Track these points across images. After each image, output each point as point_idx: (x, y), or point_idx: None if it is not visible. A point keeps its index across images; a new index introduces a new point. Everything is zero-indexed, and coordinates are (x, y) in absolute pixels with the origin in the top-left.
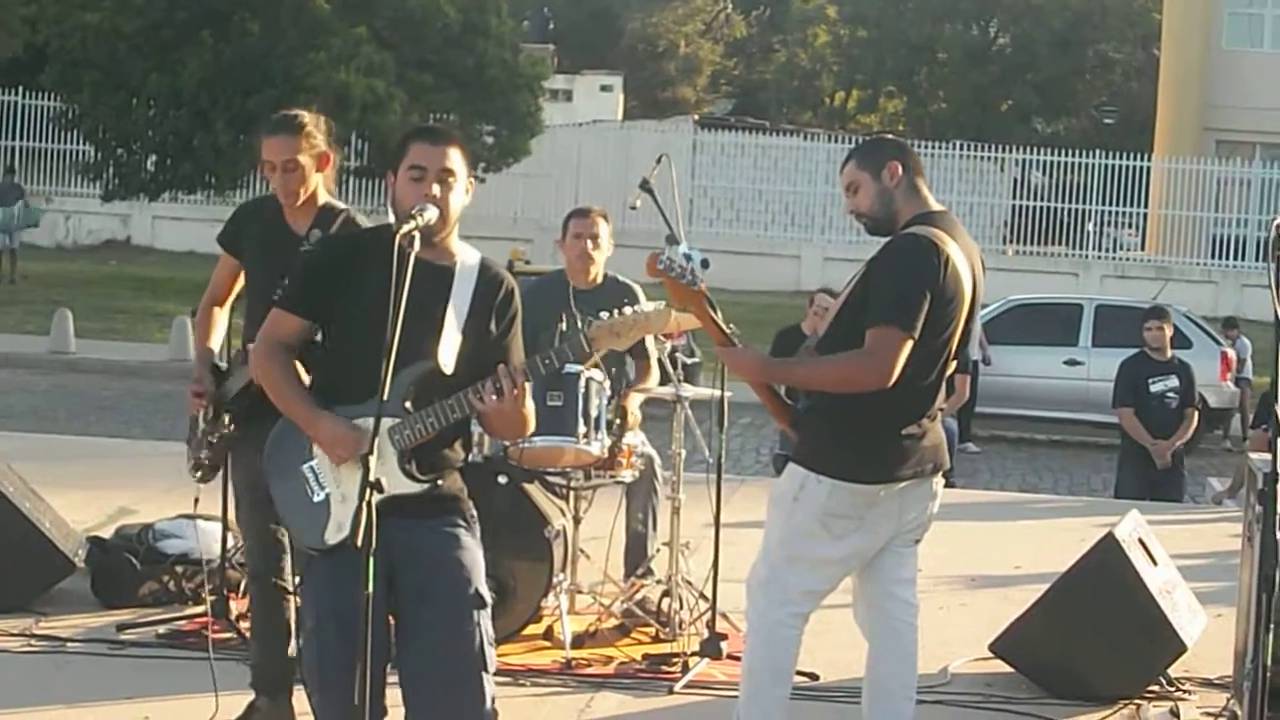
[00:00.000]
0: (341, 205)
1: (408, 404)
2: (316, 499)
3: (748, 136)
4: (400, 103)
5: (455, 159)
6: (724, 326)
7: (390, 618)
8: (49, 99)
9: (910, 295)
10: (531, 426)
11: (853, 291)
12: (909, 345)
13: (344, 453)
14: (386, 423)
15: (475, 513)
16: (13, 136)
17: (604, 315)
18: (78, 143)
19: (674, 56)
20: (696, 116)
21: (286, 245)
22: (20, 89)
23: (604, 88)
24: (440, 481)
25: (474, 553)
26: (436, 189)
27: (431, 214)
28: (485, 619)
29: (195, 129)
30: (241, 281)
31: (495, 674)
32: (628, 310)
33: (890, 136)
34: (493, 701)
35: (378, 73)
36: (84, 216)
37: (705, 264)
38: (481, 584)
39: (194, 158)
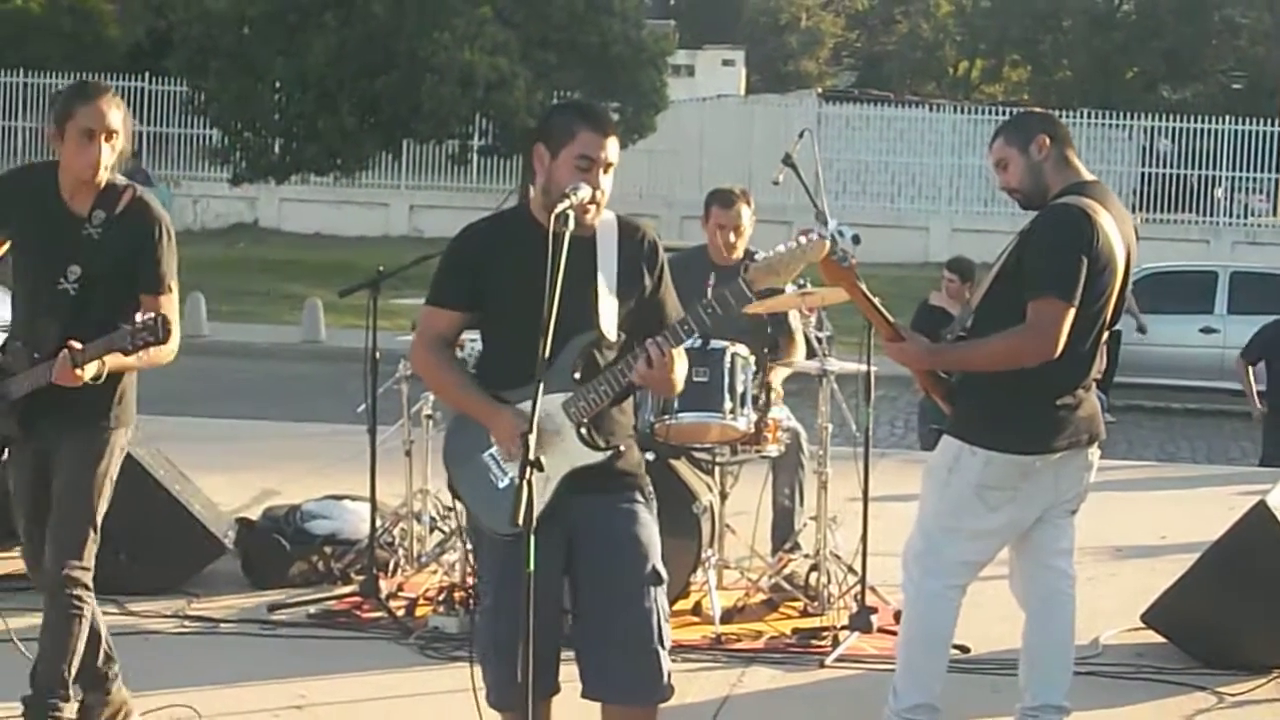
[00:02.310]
0: (124, 180)
1: (576, 375)
2: (501, 485)
3: (872, 109)
4: (525, 81)
5: (614, 149)
6: (883, 310)
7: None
8: (175, 84)
9: (1067, 264)
10: (680, 387)
11: (1005, 264)
12: (1071, 314)
13: (515, 443)
14: (560, 397)
15: (652, 489)
16: (139, 122)
17: (759, 255)
18: (204, 127)
19: (796, 29)
20: (820, 90)
21: (64, 226)
22: (146, 74)
23: (726, 62)
24: (621, 448)
25: (651, 529)
26: (603, 183)
27: (585, 192)
28: (661, 595)
29: (321, 111)
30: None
31: None
32: (781, 246)
33: (1037, 109)
34: (669, 676)
35: (502, 51)
36: (211, 200)
37: (856, 240)
38: (658, 560)
39: (320, 140)
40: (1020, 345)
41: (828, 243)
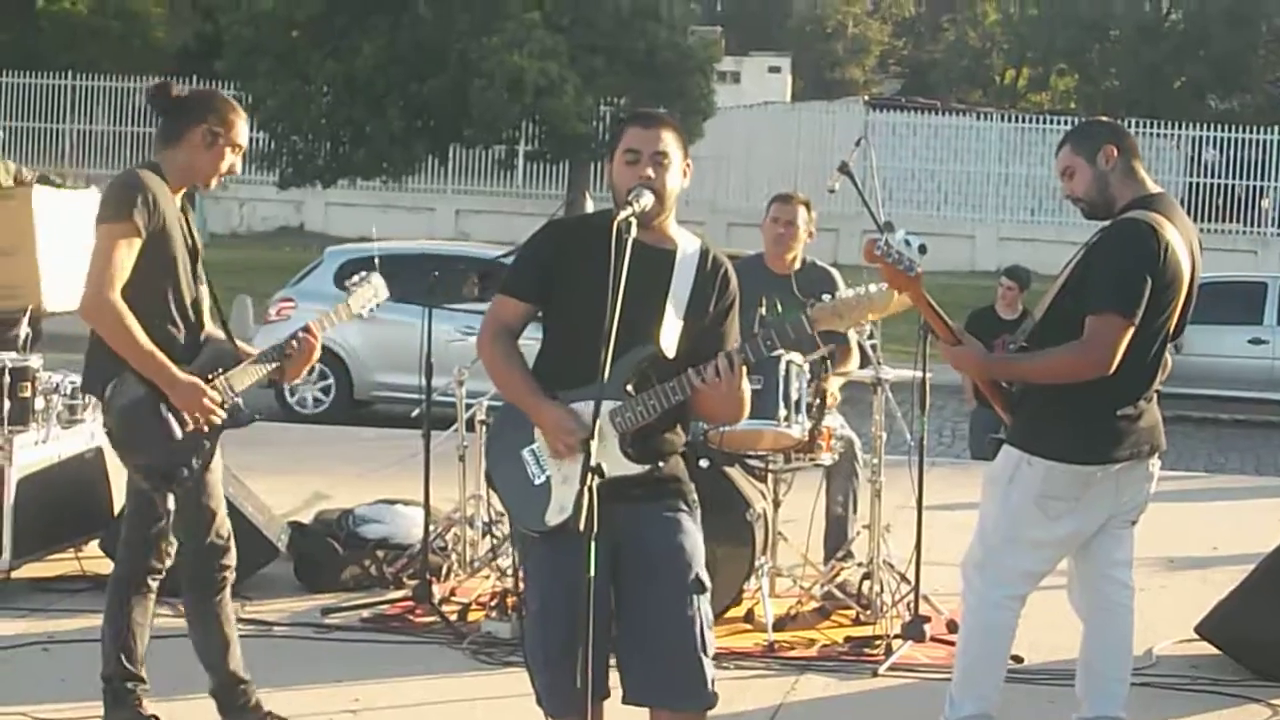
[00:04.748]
0: None
1: (629, 388)
2: (538, 481)
3: (919, 116)
4: (574, 86)
5: (669, 141)
6: (946, 319)
7: (612, 600)
8: (223, 86)
9: (1131, 281)
10: (747, 411)
11: (1070, 276)
12: (1129, 332)
13: (565, 444)
14: (608, 406)
15: (696, 497)
16: None
17: (826, 297)
18: (252, 130)
19: (842, 36)
20: (866, 97)
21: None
22: (194, 77)
23: (772, 69)
24: (662, 464)
25: (695, 537)
26: (650, 171)
27: (647, 200)
28: (705, 603)
29: (369, 116)
30: None
31: None
32: (849, 292)
33: (1105, 119)
34: (713, 684)
35: (550, 56)
36: (258, 204)
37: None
38: (702, 569)
39: (368, 144)
40: (1075, 360)
41: (896, 294)
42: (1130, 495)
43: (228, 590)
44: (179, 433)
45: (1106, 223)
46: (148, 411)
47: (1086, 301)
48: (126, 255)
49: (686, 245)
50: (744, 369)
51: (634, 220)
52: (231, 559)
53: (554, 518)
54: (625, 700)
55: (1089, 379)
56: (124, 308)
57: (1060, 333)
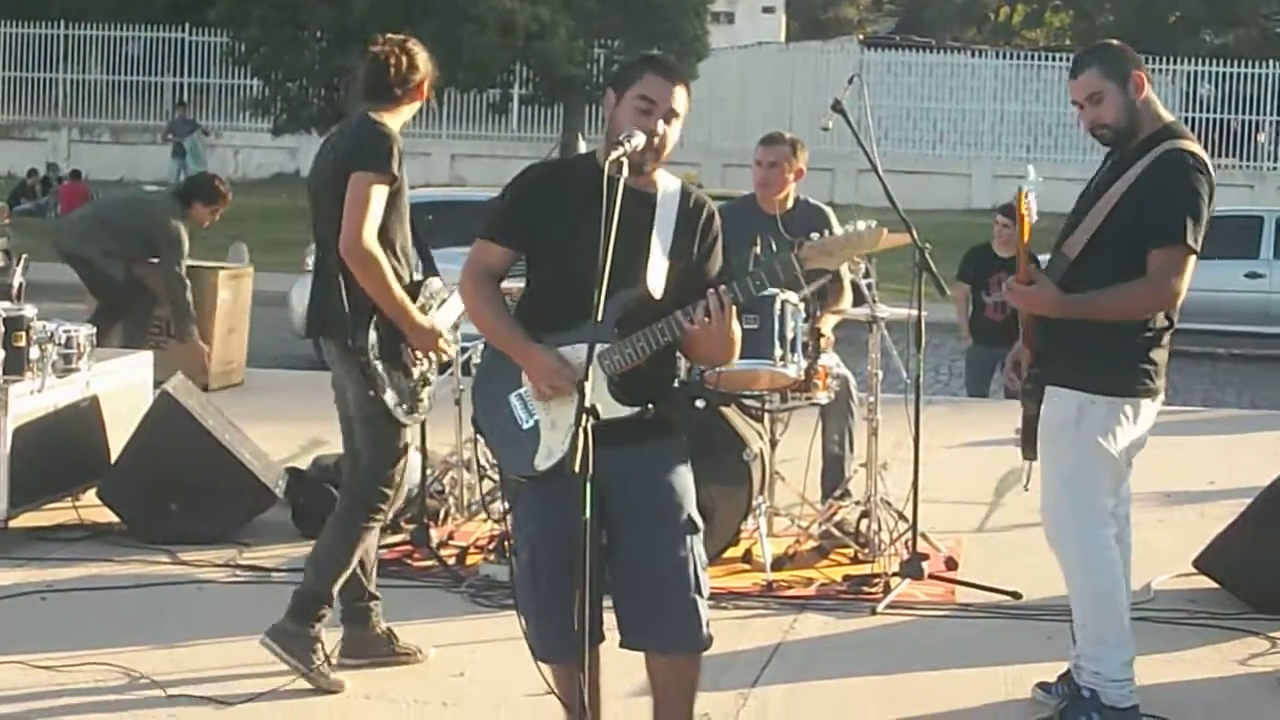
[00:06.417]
0: None
1: (615, 329)
2: (525, 426)
3: (914, 55)
4: (566, 30)
5: (681, 99)
6: (1032, 256)
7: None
8: (216, 34)
9: (1197, 214)
10: (738, 351)
11: (1117, 208)
12: (1193, 263)
13: (551, 386)
14: (597, 349)
15: (685, 439)
16: (180, 73)
17: (815, 236)
18: (245, 77)
19: None
20: (861, 36)
21: None
22: (187, 25)
23: (766, 9)
24: (651, 406)
25: (685, 478)
26: (661, 126)
27: (639, 140)
28: (698, 544)
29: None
30: None
31: None
32: (839, 230)
33: (1116, 41)
34: (708, 625)
35: (542, 0)
36: (253, 151)
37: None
38: (693, 509)
39: None
40: (1150, 295)
41: (885, 232)
42: (1146, 431)
43: (376, 525)
44: (416, 372)
45: (1144, 153)
46: (394, 351)
47: (1151, 235)
48: (380, 203)
49: (667, 186)
50: (734, 309)
51: (625, 161)
52: (398, 498)
53: (542, 462)
54: (622, 644)
55: (1154, 313)
56: (380, 253)
57: (1111, 266)
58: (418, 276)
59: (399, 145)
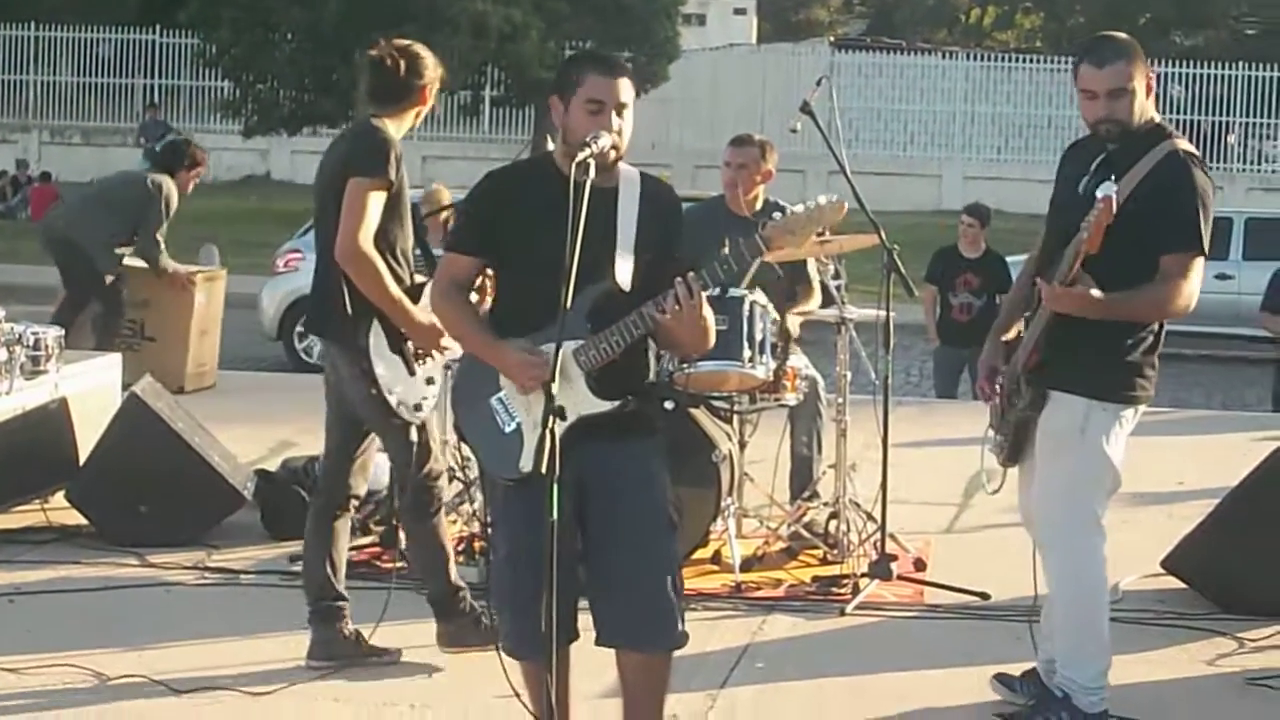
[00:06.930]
0: None
1: (589, 325)
2: (508, 429)
3: (884, 57)
4: (537, 32)
5: (627, 89)
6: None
7: (580, 541)
8: (187, 36)
9: (1207, 220)
10: (713, 339)
11: (1122, 209)
12: (1202, 264)
13: (530, 379)
14: (570, 345)
15: (664, 437)
16: (151, 74)
17: (777, 214)
18: (216, 79)
19: None
20: (832, 38)
21: None
22: (158, 27)
23: (737, 11)
24: (630, 399)
25: (662, 477)
26: (616, 121)
27: (605, 141)
28: (674, 542)
29: (335, 63)
30: None
31: None
32: (799, 206)
33: (1121, 34)
34: (683, 623)
35: (514, 3)
36: (223, 153)
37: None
38: (670, 507)
39: (333, 92)
40: (1169, 298)
41: (846, 205)
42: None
43: (441, 510)
44: (417, 370)
45: (1142, 153)
46: (396, 352)
47: (1165, 240)
48: (377, 208)
49: (627, 174)
50: (703, 296)
51: (591, 163)
52: (444, 483)
53: (527, 464)
54: (598, 642)
55: (1171, 317)
56: (377, 256)
57: (1123, 270)
58: (419, 278)
59: (398, 150)
